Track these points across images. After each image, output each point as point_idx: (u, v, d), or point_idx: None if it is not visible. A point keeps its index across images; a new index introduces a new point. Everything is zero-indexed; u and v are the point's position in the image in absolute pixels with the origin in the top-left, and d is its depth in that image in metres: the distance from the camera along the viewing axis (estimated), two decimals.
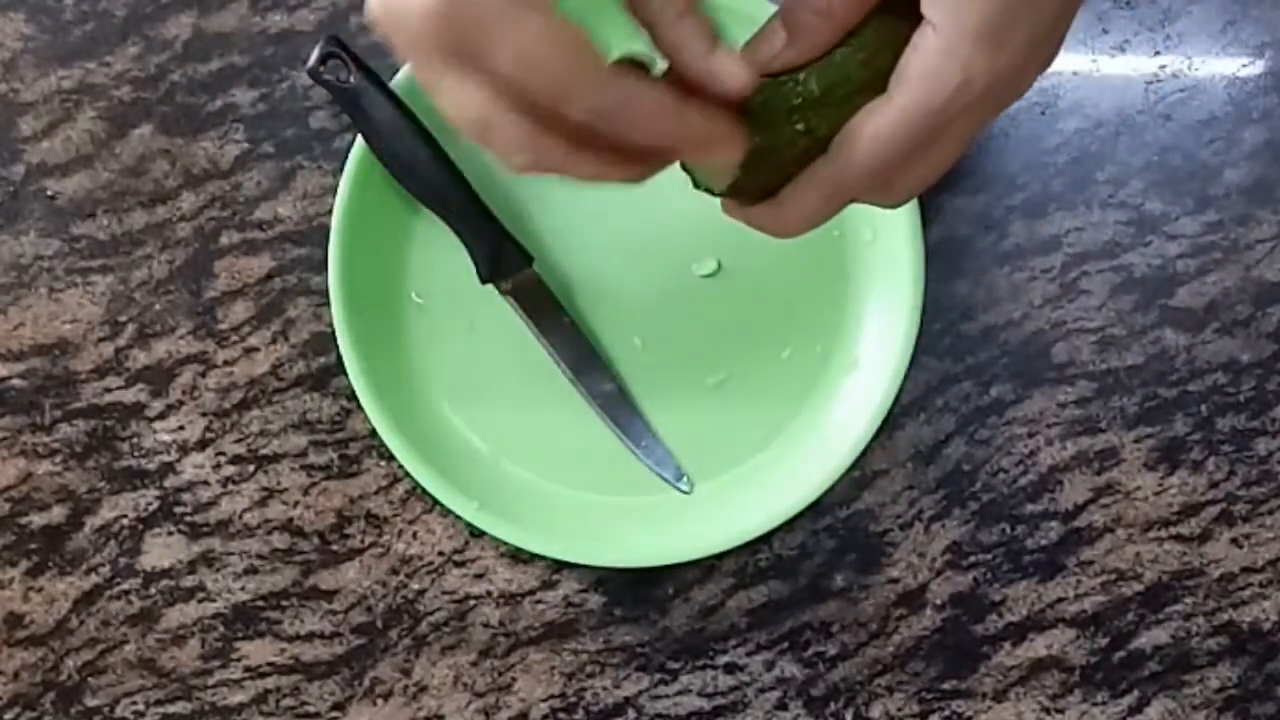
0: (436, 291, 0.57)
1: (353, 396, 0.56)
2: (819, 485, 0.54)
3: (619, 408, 0.56)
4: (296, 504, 0.58)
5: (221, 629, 0.58)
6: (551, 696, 0.58)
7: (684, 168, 0.39)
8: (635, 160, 0.35)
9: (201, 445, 0.58)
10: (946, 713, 0.57)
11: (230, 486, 0.58)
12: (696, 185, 0.39)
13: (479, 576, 0.58)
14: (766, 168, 0.37)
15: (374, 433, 0.55)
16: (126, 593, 0.58)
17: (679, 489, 0.56)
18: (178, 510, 0.58)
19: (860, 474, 0.57)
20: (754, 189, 0.38)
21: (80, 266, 0.58)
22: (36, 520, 0.58)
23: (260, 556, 0.58)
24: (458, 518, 0.55)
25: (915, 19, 0.34)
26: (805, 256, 0.56)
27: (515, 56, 0.31)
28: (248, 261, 0.58)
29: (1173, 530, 0.57)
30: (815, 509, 0.55)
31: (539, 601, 0.58)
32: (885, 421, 0.54)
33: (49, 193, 0.58)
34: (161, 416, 0.58)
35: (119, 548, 0.58)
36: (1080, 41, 0.57)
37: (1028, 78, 0.36)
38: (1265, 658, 0.57)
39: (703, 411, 0.57)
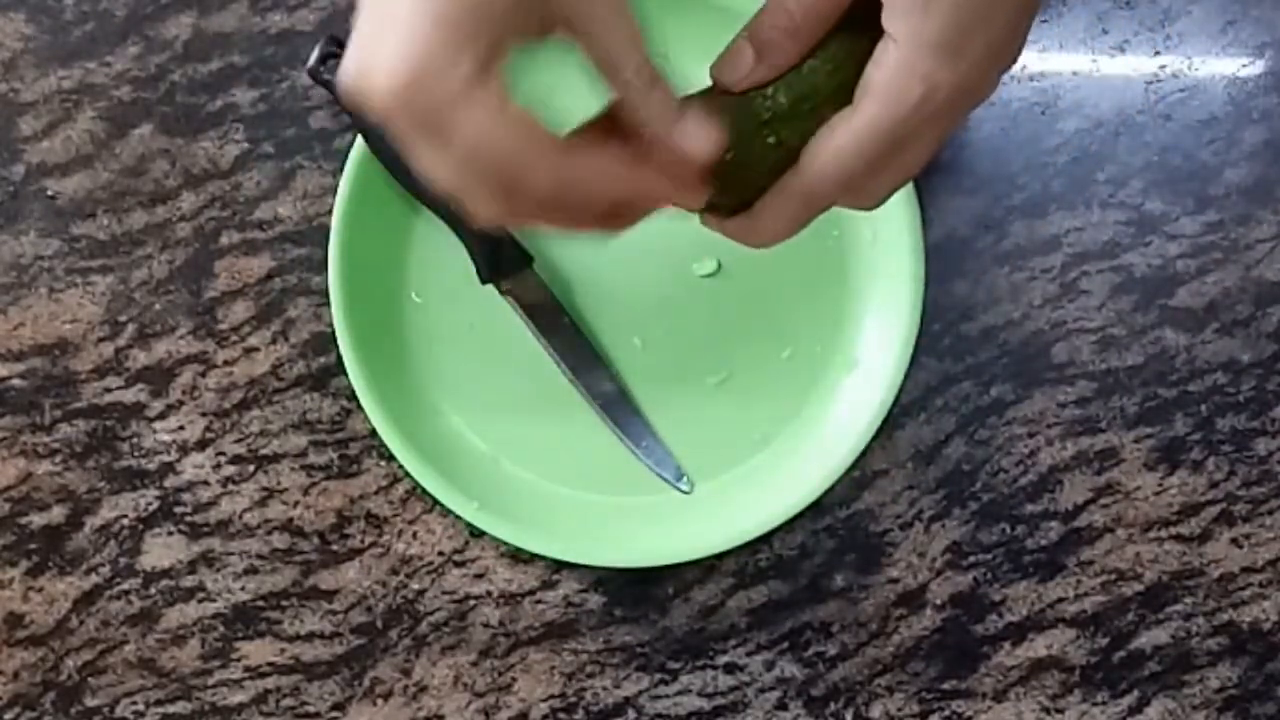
0: (436, 291, 0.57)
1: (353, 396, 0.56)
2: (819, 485, 0.54)
3: (619, 408, 0.56)
4: (296, 504, 0.58)
5: (221, 629, 0.58)
6: (551, 696, 0.58)
7: None
8: (602, 219, 0.36)
9: (201, 445, 0.58)
10: (946, 713, 0.57)
11: (230, 486, 0.58)
12: None
13: (479, 576, 0.58)
14: (740, 182, 0.37)
15: (374, 433, 0.55)
16: (126, 593, 0.58)
17: (679, 489, 0.56)
18: (178, 510, 0.58)
19: (860, 474, 0.57)
20: (729, 203, 0.38)
21: (80, 266, 0.58)
22: (36, 520, 0.58)
23: (260, 556, 0.58)
24: (458, 518, 0.55)
25: (878, 31, 0.35)
26: (805, 256, 0.56)
27: (470, 141, 0.32)
28: (248, 261, 0.58)
29: (1173, 530, 0.57)
30: (815, 509, 0.55)
31: (539, 601, 0.58)
32: (885, 421, 0.54)
33: (49, 193, 0.58)
34: (161, 416, 0.58)
35: (119, 548, 0.58)
36: (1080, 41, 0.57)
37: (990, 81, 0.37)
38: (1265, 658, 0.57)
39: (703, 411, 0.57)
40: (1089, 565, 0.57)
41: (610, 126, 0.36)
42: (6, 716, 0.58)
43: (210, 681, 0.58)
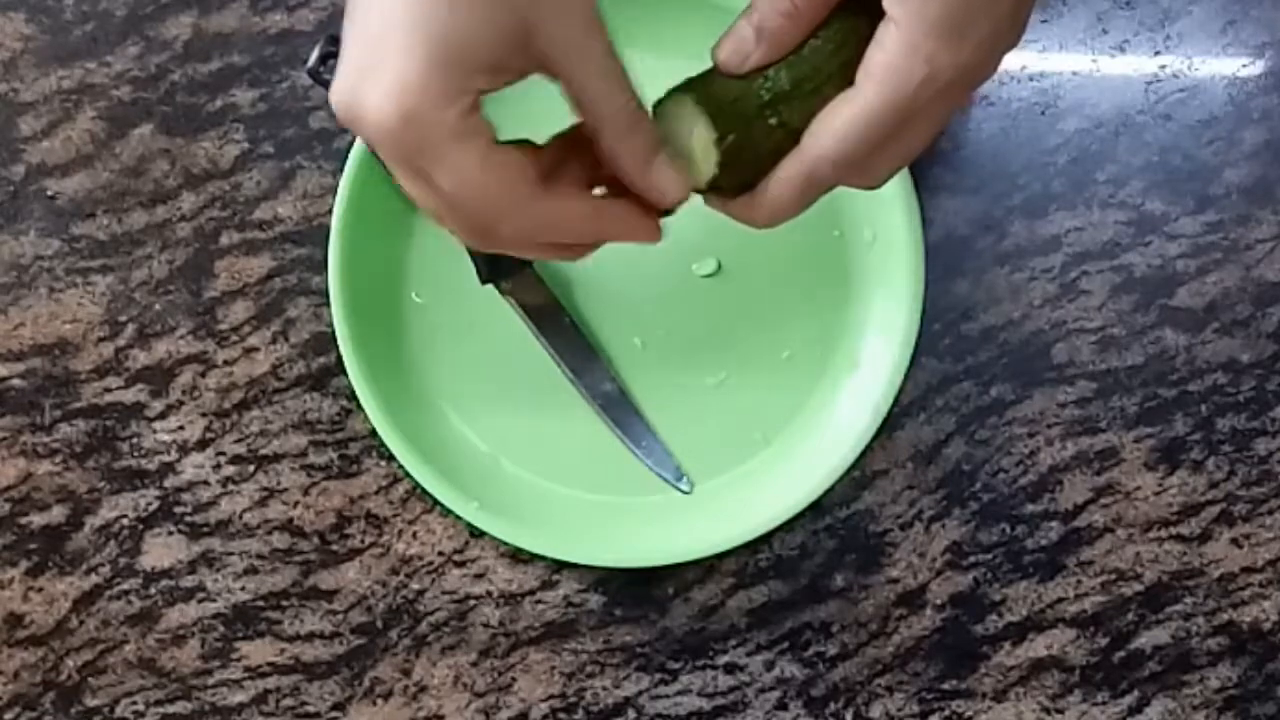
0: (436, 291, 0.57)
1: (353, 396, 0.56)
2: (819, 485, 0.54)
3: (619, 408, 0.56)
4: (296, 504, 0.58)
5: (221, 629, 0.58)
6: (551, 696, 0.58)
7: None
8: (575, 246, 0.38)
9: (201, 445, 0.58)
10: (946, 713, 0.57)
11: (230, 486, 0.58)
12: None
13: (479, 576, 0.58)
14: (743, 164, 0.38)
15: (374, 433, 0.55)
16: (126, 593, 0.58)
17: (679, 489, 0.56)
18: (178, 510, 0.58)
19: (860, 474, 0.57)
20: (732, 184, 0.38)
21: (80, 266, 0.58)
22: (36, 520, 0.58)
23: (260, 556, 0.58)
24: (458, 518, 0.55)
25: (878, 11, 0.35)
26: (805, 256, 0.56)
27: (452, 184, 0.34)
28: (248, 261, 0.58)
29: (1173, 530, 0.57)
30: (815, 509, 0.55)
31: (539, 601, 0.58)
32: (885, 421, 0.54)
33: (49, 193, 0.58)
34: (161, 416, 0.58)
35: (119, 548, 0.58)
36: (1080, 41, 0.57)
37: (993, 60, 0.37)
38: (1265, 658, 0.57)
39: (703, 411, 0.57)
40: (1089, 565, 0.57)
41: (573, 148, 0.38)
42: (6, 716, 0.58)
43: (210, 681, 0.58)
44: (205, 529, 0.58)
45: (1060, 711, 0.57)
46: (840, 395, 0.56)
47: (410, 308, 0.57)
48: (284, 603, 0.58)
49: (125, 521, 0.58)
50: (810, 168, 0.37)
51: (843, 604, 0.57)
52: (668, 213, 0.39)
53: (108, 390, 0.58)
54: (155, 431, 0.58)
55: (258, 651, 0.58)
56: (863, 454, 0.54)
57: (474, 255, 0.56)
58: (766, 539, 0.56)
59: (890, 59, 0.35)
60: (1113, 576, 0.57)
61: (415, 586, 0.58)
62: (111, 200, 0.58)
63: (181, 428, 0.58)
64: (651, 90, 0.56)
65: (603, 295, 0.57)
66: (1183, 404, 0.57)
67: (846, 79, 0.36)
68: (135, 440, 0.58)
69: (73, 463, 0.58)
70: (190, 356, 0.58)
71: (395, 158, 0.34)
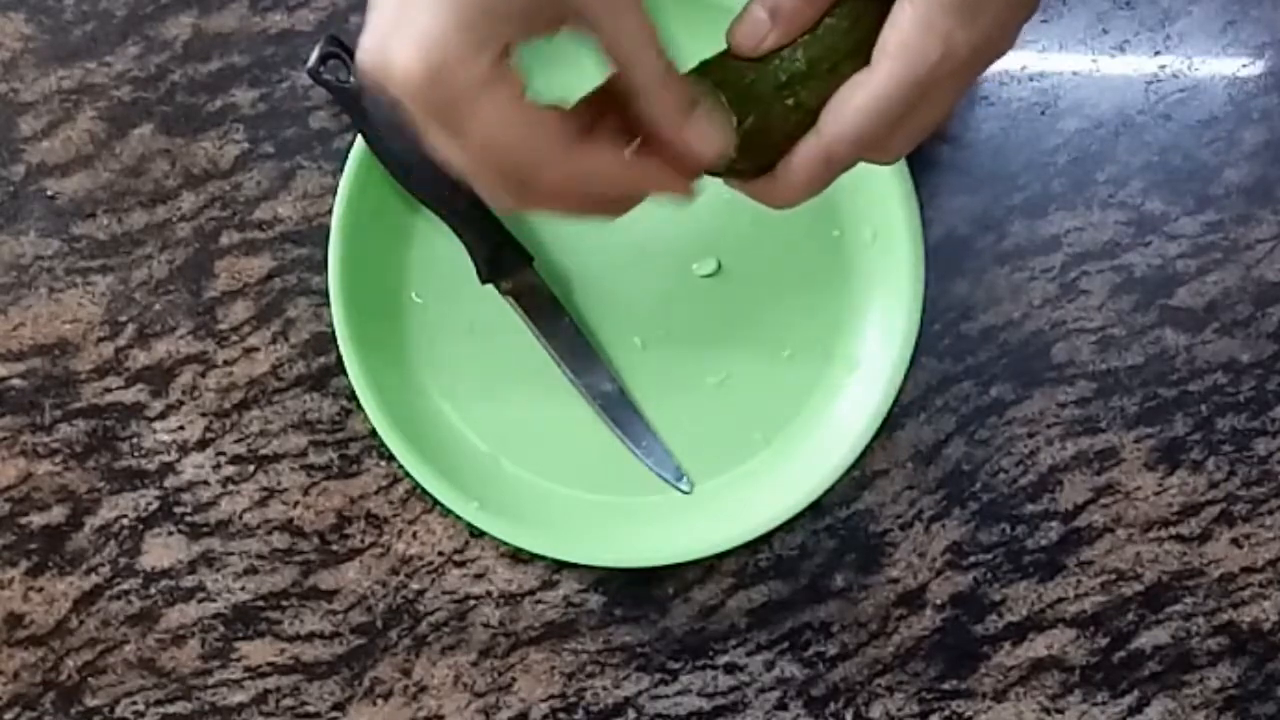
0: (436, 291, 0.57)
1: (353, 396, 0.56)
2: (819, 485, 0.54)
3: (619, 408, 0.56)
4: (296, 504, 0.58)
5: (221, 629, 0.58)
6: (551, 696, 0.58)
7: None
8: (611, 202, 0.37)
9: (201, 445, 0.58)
10: (946, 713, 0.57)
11: (230, 486, 0.58)
12: None
13: (479, 576, 0.58)
14: (761, 146, 0.37)
15: (374, 433, 0.55)
16: (126, 593, 0.58)
17: (679, 489, 0.56)
18: (178, 510, 0.58)
19: (860, 474, 0.57)
20: (751, 166, 0.38)
21: (80, 266, 0.58)
22: (36, 520, 0.58)
23: (260, 556, 0.58)
24: (458, 518, 0.55)
25: None
26: (805, 256, 0.56)
27: (484, 134, 0.33)
28: (248, 261, 0.58)
29: (1173, 530, 0.57)
30: (815, 509, 0.55)
31: (539, 601, 0.58)
32: (885, 421, 0.54)
33: (49, 193, 0.58)
34: (161, 416, 0.58)
35: (119, 548, 0.58)
36: (1080, 41, 0.57)
37: (1009, 35, 0.37)
38: (1265, 658, 0.57)
39: (703, 411, 0.57)
40: (1089, 565, 0.57)
41: (606, 104, 0.37)
42: (6, 716, 0.58)
43: (210, 681, 0.58)
44: (205, 529, 0.58)
45: (1060, 711, 0.57)
46: (840, 395, 0.56)
47: (410, 308, 0.57)
48: (284, 603, 0.58)
49: (125, 521, 0.58)
50: (829, 148, 0.37)
51: (843, 604, 0.57)
52: (704, 173, 0.38)
53: (108, 390, 0.58)
54: (155, 431, 0.58)
55: (258, 651, 0.58)
56: (863, 454, 0.54)
57: (474, 255, 0.56)
58: (766, 539, 0.56)
59: (906, 37, 0.35)
60: (1113, 576, 0.57)
61: (415, 586, 0.58)
62: (111, 200, 0.58)
63: (181, 428, 0.58)
64: None
65: (603, 295, 0.57)
66: (1183, 404, 0.57)
67: (862, 57, 0.36)
68: (135, 440, 0.58)
69: (73, 463, 0.58)
70: (190, 356, 0.58)
71: (426, 113, 0.33)
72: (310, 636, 0.58)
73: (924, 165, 0.56)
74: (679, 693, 0.57)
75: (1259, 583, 0.57)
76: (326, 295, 0.55)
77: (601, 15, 0.34)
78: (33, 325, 0.58)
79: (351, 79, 0.54)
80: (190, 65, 0.58)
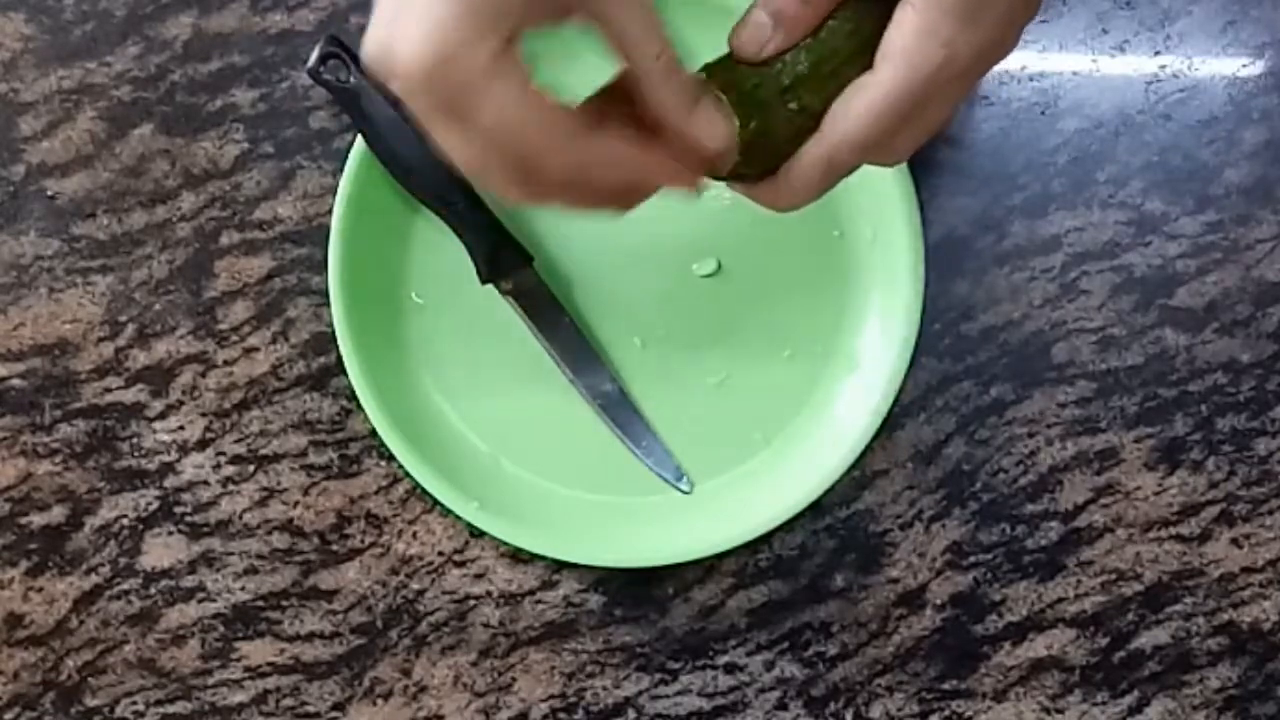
0: (436, 291, 0.57)
1: (353, 396, 0.56)
2: (819, 485, 0.54)
3: (619, 408, 0.56)
4: (296, 504, 0.58)
5: (221, 629, 0.58)
6: (551, 696, 0.58)
7: None
8: (619, 195, 0.37)
9: (201, 445, 0.58)
10: (946, 713, 0.57)
11: (230, 486, 0.58)
12: None
13: (479, 576, 0.58)
14: (764, 150, 0.37)
15: (374, 433, 0.55)
16: (126, 593, 0.58)
17: (679, 489, 0.56)
18: (178, 510, 0.58)
19: (860, 474, 0.57)
20: (754, 170, 0.38)
21: (80, 266, 0.58)
22: (36, 520, 0.58)
23: (260, 556, 0.58)
24: (458, 518, 0.56)
25: None
26: (805, 256, 0.56)
27: (491, 123, 0.33)
28: (248, 261, 0.58)
29: (1173, 530, 0.57)
30: (815, 509, 0.55)
31: (539, 601, 0.58)
32: (885, 421, 0.54)
33: (49, 193, 0.58)
34: (161, 416, 0.58)
35: (119, 548, 0.58)
36: (1080, 41, 0.57)
37: (1011, 38, 0.37)
38: (1265, 658, 0.57)
39: (703, 411, 0.57)
40: (1089, 565, 0.57)
41: (618, 98, 0.36)
42: (6, 716, 0.58)
43: (210, 681, 0.58)
44: (205, 529, 0.58)
45: (1060, 711, 0.57)
46: (840, 395, 0.56)
47: (410, 308, 0.57)
48: (284, 603, 0.58)
49: (125, 521, 0.58)
50: (832, 152, 0.37)
51: (843, 604, 0.57)
52: (708, 176, 0.38)
53: (108, 390, 0.58)
54: (155, 431, 0.58)
55: (258, 651, 0.58)
56: (863, 454, 0.54)
57: (474, 255, 0.56)
58: (766, 539, 0.56)
59: (908, 42, 0.35)
60: (1113, 576, 0.57)
61: (415, 586, 0.58)
62: (111, 200, 0.58)
63: (181, 428, 0.58)
64: None
65: (603, 295, 0.57)
66: (1183, 404, 0.57)
67: (864, 60, 0.36)
68: (135, 440, 0.58)
69: (73, 463, 0.58)
70: (190, 356, 0.58)
71: (432, 104, 0.33)
72: (310, 636, 0.58)
73: (924, 165, 0.56)
74: (679, 693, 0.57)
75: (1259, 583, 0.57)
76: (326, 295, 0.55)
77: (607, 4, 0.34)
78: (33, 325, 0.58)
79: (351, 79, 0.54)
80: (190, 65, 0.58)
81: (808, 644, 0.57)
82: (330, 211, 0.55)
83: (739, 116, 0.37)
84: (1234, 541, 0.57)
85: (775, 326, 0.57)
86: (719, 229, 0.56)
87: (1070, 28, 0.57)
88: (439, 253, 0.57)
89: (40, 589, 0.58)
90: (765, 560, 0.57)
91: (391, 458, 0.56)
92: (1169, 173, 0.57)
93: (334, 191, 0.55)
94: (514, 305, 0.56)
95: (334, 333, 0.55)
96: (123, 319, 0.58)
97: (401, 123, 0.54)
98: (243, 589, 0.58)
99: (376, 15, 0.33)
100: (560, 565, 0.57)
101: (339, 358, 0.55)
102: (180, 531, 0.58)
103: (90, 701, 0.58)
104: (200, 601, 0.58)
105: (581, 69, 0.38)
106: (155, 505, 0.58)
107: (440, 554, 0.58)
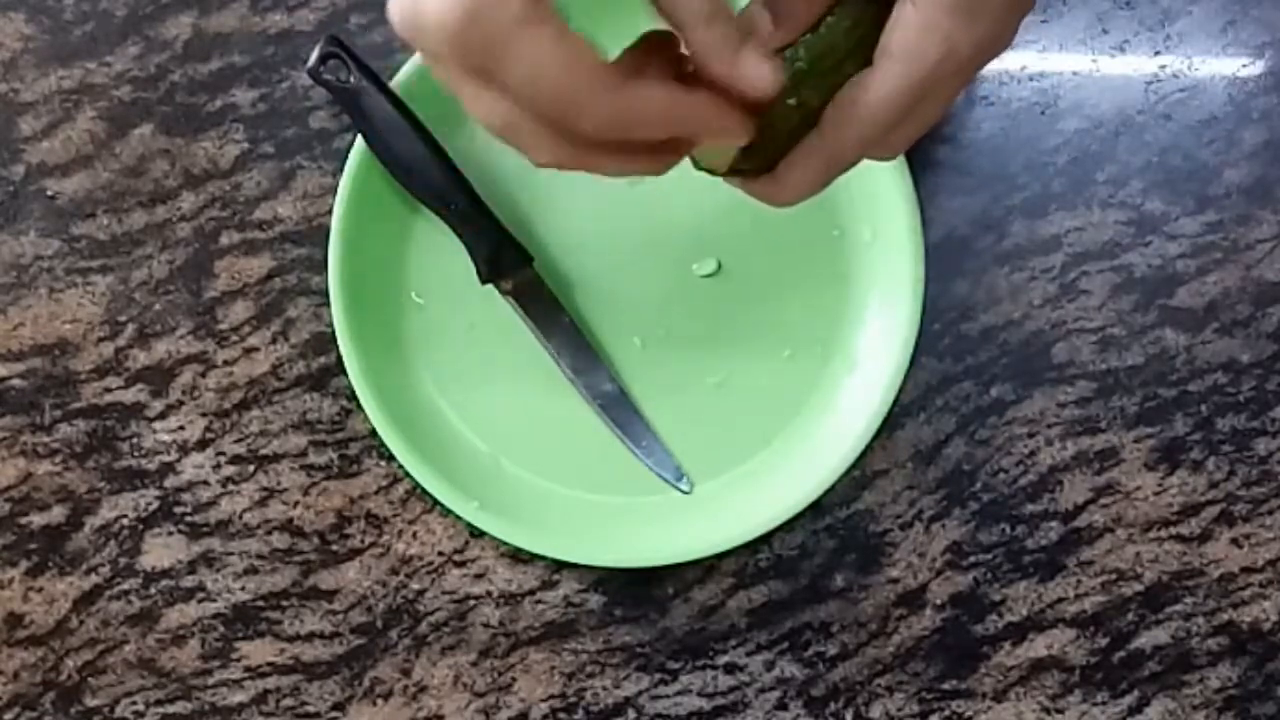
0: (436, 291, 0.57)
1: (353, 396, 0.56)
2: (819, 485, 0.54)
3: (619, 408, 0.56)
4: (296, 504, 0.58)
5: (221, 629, 0.58)
6: (551, 696, 0.58)
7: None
8: (656, 152, 0.36)
9: (201, 445, 0.58)
10: (946, 713, 0.57)
11: (230, 486, 0.58)
12: (697, 167, 0.40)
13: (479, 576, 0.58)
14: (764, 147, 0.38)
15: (374, 433, 0.55)
16: (126, 593, 0.58)
17: (679, 489, 0.56)
18: (178, 510, 0.58)
19: (860, 474, 0.57)
20: (753, 166, 0.38)
21: (80, 266, 0.58)
22: (36, 520, 0.58)
23: (260, 556, 0.58)
24: (458, 518, 0.56)
25: None
26: (805, 256, 0.56)
27: (525, 75, 0.31)
28: (248, 261, 0.58)
29: (1173, 530, 0.57)
30: (815, 509, 0.55)
31: (539, 601, 0.58)
32: (885, 421, 0.54)
33: (49, 193, 0.58)
34: (161, 416, 0.58)
35: (119, 548, 0.58)
36: (1080, 41, 0.57)
37: (1010, 31, 0.37)
38: (1265, 658, 0.57)
39: (703, 411, 0.57)
40: (1089, 565, 0.57)
41: (650, 54, 0.36)
42: (6, 716, 0.58)
43: (210, 681, 0.58)
44: (205, 529, 0.58)
45: (1060, 711, 0.57)
46: (840, 395, 0.56)
47: (410, 308, 0.57)
48: (284, 603, 0.58)
49: (125, 521, 0.58)
50: (833, 148, 0.37)
51: (843, 604, 0.57)
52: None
53: (108, 390, 0.58)
54: (155, 431, 0.58)
55: (258, 651, 0.58)
56: (863, 454, 0.54)
57: (474, 255, 0.56)
58: (766, 539, 0.56)
59: (909, 38, 0.35)
60: (1113, 576, 0.57)
61: (415, 586, 0.58)
62: (111, 200, 0.58)
63: (181, 428, 0.58)
64: None
65: (603, 295, 0.57)
66: (1183, 404, 0.57)
67: (862, 56, 0.36)
68: (135, 440, 0.58)
69: (73, 463, 0.58)
70: (190, 356, 0.58)
71: (463, 61, 0.32)
72: (310, 636, 0.58)
73: (924, 165, 0.56)
74: (679, 693, 0.57)
75: (1259, 583, 0.57)
76: (326, 295, 0.55)
77: None
78: (33, 325, 0.58)
79: (351, 79, 0.54)
80: (190, 65, 0.58)
81: (808, 644, 0.57)
82: (330, 211, 0.55)
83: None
84: (1234, 541, 0.57)
85: (775, 326, 0.57)
86: (719, 229, 0.56)
87: (1070, 28, 0.57)
88: (439, 253, 0.57)
89: (40, 589, 0.58)
90: (765, 560, 0.57)
91: (391, 458, 0.56)
92: (1169, 173, 0.57)
93: (334, 191, 0.55)
94: (514, 305, 0.56)
95: (334, 333, 0.55)
96: (123, 319, 0.58)
97: (401, 122, 0.54)
98: (243, 589, 0.58)
99: None
100: (560, 565, 0.57)
101: (339, 358, 0.55)
102: (180, 531, 0.58)
103: (90, 701, 0.58)
104: (200, 601, 0.58)
105: (614, 25, 0.37)
106: (155, 505, 0.58)
107: (440, 554, 0.58)
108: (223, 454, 0.58)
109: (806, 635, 0.57)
